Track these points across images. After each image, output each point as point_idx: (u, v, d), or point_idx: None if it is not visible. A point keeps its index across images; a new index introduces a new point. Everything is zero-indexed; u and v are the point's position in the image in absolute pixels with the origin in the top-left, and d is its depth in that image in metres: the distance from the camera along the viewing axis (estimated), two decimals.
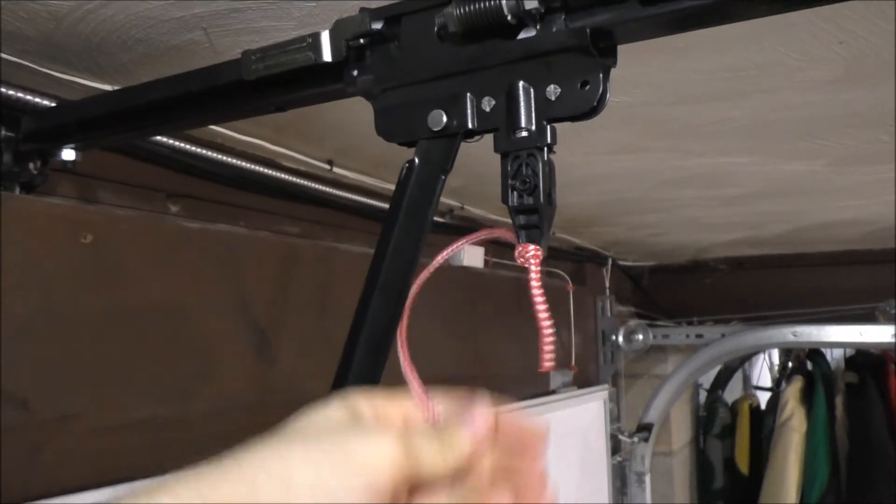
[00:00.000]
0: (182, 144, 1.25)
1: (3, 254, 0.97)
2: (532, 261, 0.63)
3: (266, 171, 1.45)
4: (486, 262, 2.27)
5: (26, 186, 1.06)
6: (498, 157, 0.64)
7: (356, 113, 1.27)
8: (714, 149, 1.50)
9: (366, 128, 1.35)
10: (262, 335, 1.38)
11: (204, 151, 1.30)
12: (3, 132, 1.00)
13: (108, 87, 1.06)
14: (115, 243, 1.12)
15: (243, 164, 1.39)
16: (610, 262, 3.20)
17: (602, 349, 3.10)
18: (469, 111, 0.66)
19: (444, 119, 0.67)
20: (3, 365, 0.96)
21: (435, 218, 2.16)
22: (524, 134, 0.63)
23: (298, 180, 1.53)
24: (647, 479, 3.04)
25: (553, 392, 2.69)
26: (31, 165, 1.06)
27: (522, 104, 0.63)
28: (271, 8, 0.83)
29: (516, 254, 0.64)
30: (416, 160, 0.69)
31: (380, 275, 0.69)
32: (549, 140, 0.63)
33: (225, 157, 1.35)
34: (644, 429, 3.01)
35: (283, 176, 1.49)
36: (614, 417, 3.04)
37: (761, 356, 5.16)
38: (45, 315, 1.02)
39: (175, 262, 1.22)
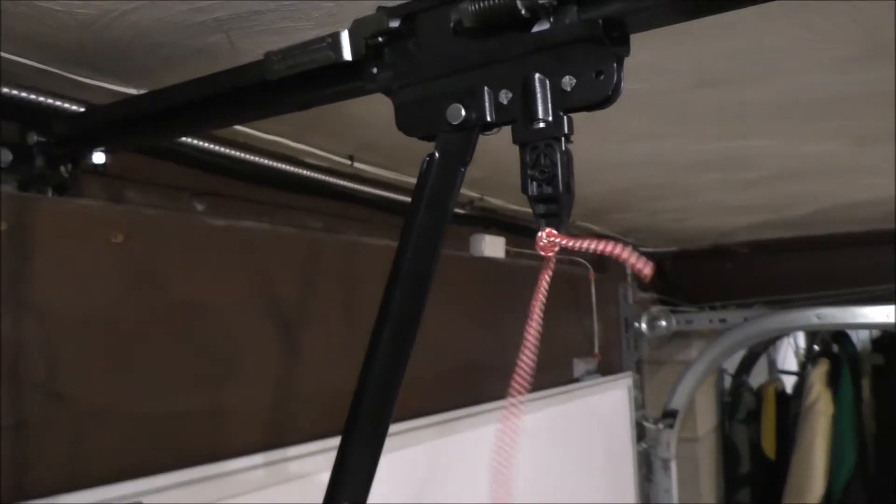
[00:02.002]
0: (206, 144, 1.28)
1: (38, 254, 1.00)
2: (553, 249, 0.64)
3: (288, 167, 1.48)
4: (506, 251, 2.28)
5: (58, 189, 1.09)
6: (517, 147, 0.66)
7: (376, 108, 1.28)
8: (735, 132, 1.50)
9: (386, 122, 1.37)
10: (288, 329, 1.41)
11: (227, 150, 1.33)
12: (36, 137, 1.03)
13: (133, 91, 1.09)
14: (144, 242, 1.15)
15: (266, 161, 1.42)
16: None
17: (625, 336, 3.11)
18: (486, 104, 0.67)
19: (463, 112, 0.68)
20: (42, 361, 0.99)
21: (455, 209, 2.19)
22: (541, 125, 0.64)
23: (320, 176, 1.56)
24: (673, 465, 3.04)
25: (577, 380, 2.70)
26: (63, 169, 1.09)
27: (539, 96, 0.64)
28: (290, 9, 0.85)
29: (536, 242, 0.65)
30: (436, 153, 0.70)
31: (403, 266, 0.71)
32: (565, 130, 0.64)
33: (248, 155, 1.37)
34: (669, 415, 3.01)
35: (305, 172, 1.52)
36: (639, 404, 3.04)
37: (786, 340, 5.13)
38: (79, 312, 1.05)
39: (202, 260, 1.25)
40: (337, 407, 1.48)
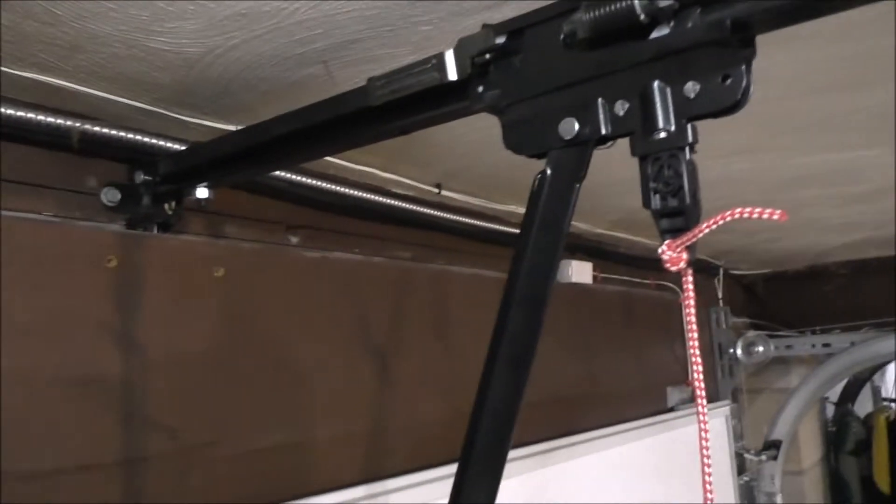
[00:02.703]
0: (298, 177, 1.30)
1: (146, 289, 1.02)
2: (680, 259, 0.60)
3: (377, 198, 1.48)
4: (594, 277, 2.22)
5: (163, 226, 1.12)
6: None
7: (463, 134, 1.27)
8: (840, 143, 1.42)
9: (473, 149, 1.37)
10: (383, 360, 1.40)
11: (318, 182, 1.34)
12: (143, 176, 1.06)
13: (230, 127, 1.11)
14: (244, 276, 1.16)
15: (355, 192, 1.42)
16: (721, 271, 3.07)
17: (719, 363, 2.97)
18: (601, 117, 0.65)
19: (577, 127, 0.65)
20: (151, 395, 1.01)
21: None
22: (663, 135, 0.61)
23: (408, 205, 1.55)
24: (779, 499, 2.86)
25: (671, 409, 2.59)
26: (166, 206, 1.12)
27: (659, 104, 0.61)
28: (389, 35, 0.84)
29: (664, 258, 0.61)
30: (548, 170, 0.68)
31: (517, 288, 0.69)
32: (690, 139, 0.61)
33: (338, 187, 1.38)
34: (771, 446, 2.84)
35: (392, 202, 1.52)
36: (737, 435, 2.89)
37: (892, 365, 4.81)
38: (187, 347, 1.07)
39: (299, 292, 1.25)
40: (430, 438, 1.46)
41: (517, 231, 2.05)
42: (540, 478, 1.71)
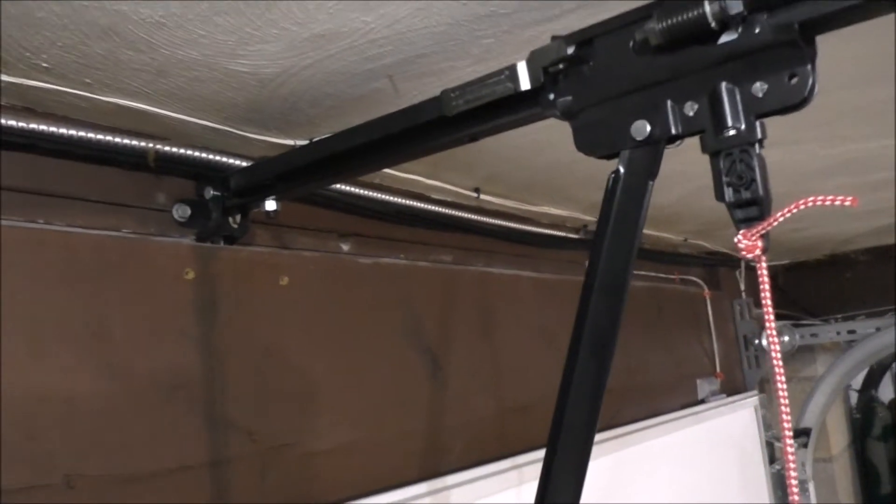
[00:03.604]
0: (349, 188, 1.35)
1: (221, 298, 1.08)
2: (756, 247, 0.65)
3: (420, 204, 1.53)
4: None
5: (228, 239, 1.17)
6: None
7: (508, 140, 1.32)
8: (867, 132, 1.46)
9: (515, 153, 1.42)
10: (435, 359, 1.45)
11: (366, 192, 1.39)
12: (212, 192, 1.11)
13: (290, 142, 1.16)
14: (306, 283, 1.21)
15: (400, 200, 1.47)
16: (742, 263, 3.10)
17: (745, 354, 3.00)
18: (671, 118, 0.69)
19: (648, 128, 0.70)
20: (230, 399, 1.06)
21: (568, 234, 2.18)
22: (733, 132, 0.66)
23: (448, 210, 1.60)
24: (811, 486, 2.89)
25: (702, 401, 2.63)
26: (231, 220, 1.17)
27: (728, 104, 0.66)
28: (454, 49, 0.89)
29: (740, 248, 0.66)
30: (622, 170, 0.72)
31: (597, 278, 0.73)
32: (759, 135, 0.65)
33: (385, 196, 1.43)
34: (802, 434, 2.88)
35: (435, 208, 1.57)
36: (767, 424, 2.92)
37: None
38: (259, 352, 1.12)
39: (356, 296, 1.31)
40: (482, 434, 1.51)
41: (550, 232, 2.10)
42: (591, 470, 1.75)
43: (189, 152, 1.08)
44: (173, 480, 0.97)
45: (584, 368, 0.74)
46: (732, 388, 2.86)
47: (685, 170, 1.55)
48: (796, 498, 0.68)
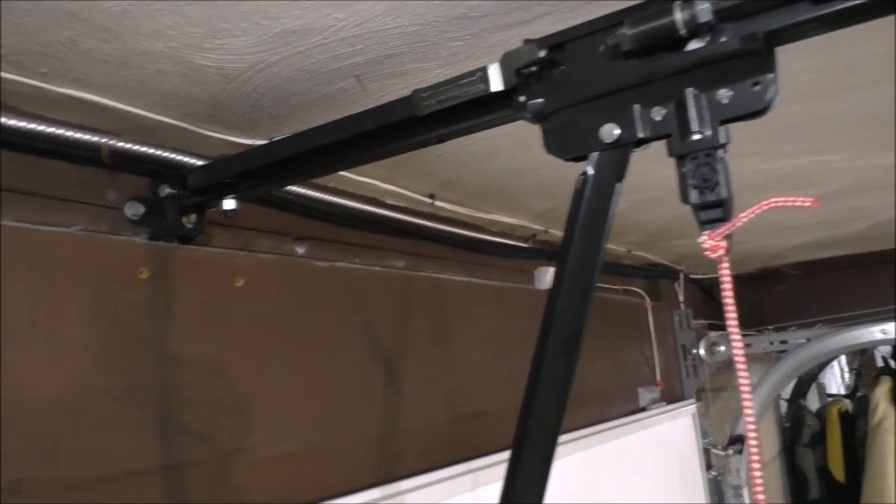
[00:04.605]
0: (305, 190, 1.34)
1: (176, 299, 1.05)
2: (720, 247, 0.67)
3: (375, 209, 1.53)
4: None
5: (182, 239, 1.14)
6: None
7: (466, 145, 1.34)
8: (807, 148, 1.53)
9: (471, 159, 1.43)
10: (390, 364, 1.44)
11: (322, 195, 1.38)
12: (168, 190, 1.09)
13: (250, 142, 1.14)
14: (262, 285, 1.19)
15: (357, 204, 1.47)
16: (682, 275, 3.20)
17: (684, 364, 3.09)
18: (639, 121, 0.72)
19: (617, 131, 0.72)
20: (183, 402, 1.03)
21: (518, 243, 2.21)
22: (698, 136, 0.69)
23: (403, 216, 1.60)
24: (745, 492, 2.99)
25: (643, 409, 2.69)
26: (186, 219, 1.15)
27: (694, 109, 0.69)
28: (422, 50, 0.90)
29: (704, 248, 0.68)
30: (591, 171, 0.74)
31: (564, 279, 0.75)
32: (723, 140, 0.68)
33: (342, 200, 1.43)
34: (736, 441, 2.97)
35: (390, 213, 1.57)
36: (704, 432, 3.01)
37: (836, 364, 5.06)
38: (213, 355, 1.09)
39: (311, 300, 1.29)
40: (436, 440, 1.50)
41: (500, 240, 2.12)
42: None
43: (144, 149, 1.05)
44: (124, 486, 0.94)
45: (550, 368, 0.75)
46: (671, 396, 2.94)
47: (632, 181, 1.59)
48: (761, 497, 0.70)
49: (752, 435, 0.70)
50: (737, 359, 0.72)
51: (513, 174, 1.56)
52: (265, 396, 1.16)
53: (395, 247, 1.65)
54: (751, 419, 0.69)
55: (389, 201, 1.60)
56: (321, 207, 1.40)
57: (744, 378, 0.71)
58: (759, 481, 0.69)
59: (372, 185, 1.46)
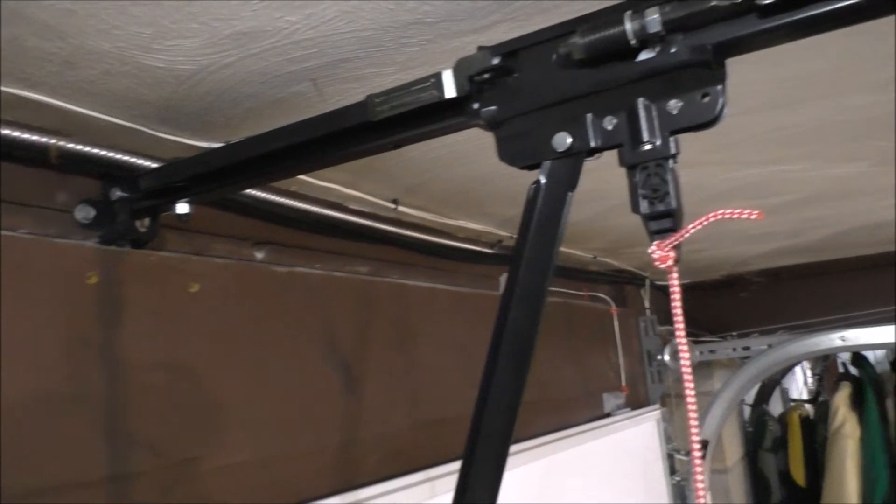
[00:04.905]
0: (265, 194, 1.32)
1: (126, 305, 1.02)
2: (669, 257, 0.67)
3: (338, 214, 1.51)
4: None
5: (135, 243, 1.12)
6: None
7: (428, 151, 1.33)
8: (767, 157, 1.55)
9: (435, 165, 1.43)
10: (350, 371, 1.42)
11: (284, 199, 1.36)
12: (119, 193, 1.06)
13: (205, 145, 1.12)
14: (218, 291, 1.17)
15: (318, 209, 1.45)
16: (648, 282, 3.23)
17: (649, 369, 3.11)
18: (591, 131, 0.72)
19: (569, 140, 0.72)
20: (133, 411, 1.01)
21: (483, 249, 2.20)
22: (648, 147, 0.69)
23: (366, 221, 1.59)
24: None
25: (608, 415, 2.70)
26: (139, 223, 1.12)
27: (644, 119, 0.69)
28: (378, 55, 0.89)
29: (654, 258, 0.68)
30: (543, 180, 0.74)
31: (516, 287, 0.74)
32: (673, 150, 0.68)
33: (303, 204, 1.41)
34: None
35: (352, 218, 1.55)
36: (668, 437, 3.04)
37: (799, 368, 5.14)
38: (165, 363, 1.07)
39: (270, 306, 1.27)
40: (397, 447, 1.49)
41: (465, 246, 2.11)
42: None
43: (95, 150, 1.03)
44: (69, 498, 0.91)
45: (501, 378, 0.75)
46: (636, 402, 2.95)
47: (596, 188, 1.60)
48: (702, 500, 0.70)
49: (695, 439, 0.70)
50: (683, 367, 0.72)
51: (477, 180, 1.56)
52: (219, 405, 1.13)
53: (358, 252, 1.64)
54: (694, 423, 0.70)
55: (352, 206, 1.59)
56: (282, 212, 1.38)
57: (689, 385, 0.71)
58: (700, 485, 0.69)
59: (334, 189, 1.44)
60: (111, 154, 1.04)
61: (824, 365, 4.53)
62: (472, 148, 1.30)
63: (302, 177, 1.36)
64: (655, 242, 0.69)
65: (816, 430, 3.58)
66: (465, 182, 1.54)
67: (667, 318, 3.50)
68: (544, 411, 2.17)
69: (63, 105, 0.93)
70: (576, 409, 2.46)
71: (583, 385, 2.57)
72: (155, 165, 1.10)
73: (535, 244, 0.74)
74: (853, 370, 3.58)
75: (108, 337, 1.00)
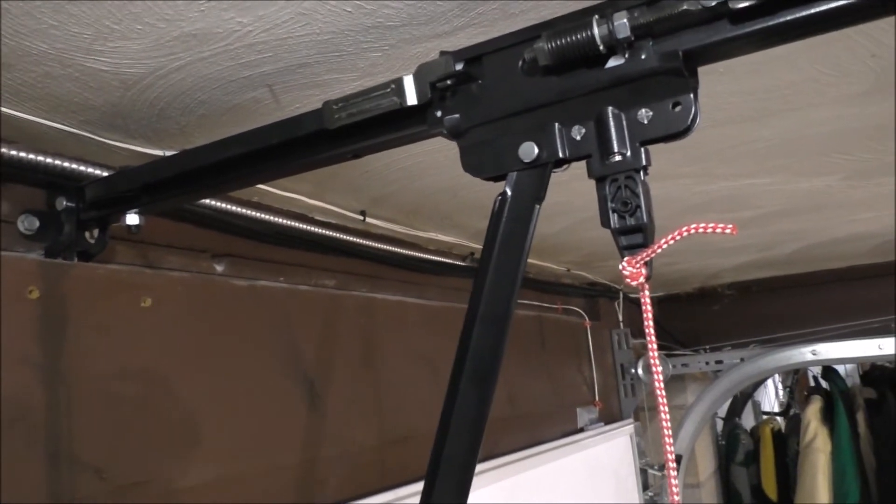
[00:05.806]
0: (225, 205, 1.27)
1: (71, 321, 0.97)
2: (640, 274, 0.64)
3: (302, 225, 1.46)
4: None
5: (83, 255, 1.06)
6: None
7: (394, 161, 1.29)
8: (739, 171, 1.54)
9: (402, 175, 1.38)
10: (313, 388, 1.37)
11: (245, 210, 1.31)
12: (65, 203, 1.01)
13: (158, 153, 1.07)
14: (172, 305, 1.12)
15: (282, 220, 1.40)
16: (621, 295, 3.21)
17: (622, 383, 3.09)
18: (559, 141, 0.68)
19: (536, 150, 0.69)
20: (77, 432, 0.95)
21: (455, 262, 2.16)
22: (618, 158, 0.65)
23: (333, 233, 1.54)
24: None
25: (581, 430, 2.67)
26: (87, 235, 1.07)
27: (614, 129, 0.65)
28: (337, 61, 0.85)
29: (625, 274, 0.65)
30: (509, 192, 0.70)
31: (480, 306, 0.70)
32: (644, 162, 0.65)
33: (265, 215, 1.36)
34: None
35: (318, 230, 1.51)
36: (642, 452, 3.01)
37: (770, 381, 5.17)
38: (113, 381, 1.01)
39: (229, 321, 1.22)
40: (361, 466, 1.44)
41: (436, 258, 2.07)
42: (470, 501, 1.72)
43: (40, 158, 0.97)
44: None
45: (465, 398, 0.70)
46: (610, 416, 2.93)
47: (569, 200, 1.57)
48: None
49: (670, 454, 0.67)
50: (656, 385, 0.69)
51: (447, 191, 1.52)
52: (172, 424, 1.08)
53: (324, 265, 1.59)
54: (669, 438, 0.67)
55: (318, 217, 1.54)
56: (242, 223, 1.33)
57: (663, 402, 0.68)
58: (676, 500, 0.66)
59: (298, 200, 1.40)
60: (56, 161, 0.98)
61: (795, 378, 4.55)
62: (441, 158, 1.26)
63: (264, 187, 1.31)
64: (626, 258, 0.65)
65: (788, 444, 3.58)
66: (434, 193, 1.51)
67: (640, 331, 3.49)
68: (515, 428, 2.13)
69: (2, 109, 0.87)
70: (548, 425, 2.42)
71: (556, 399, 2.53)
72: (104, 174, 1.05)
73: (500, 260, 0.70)
74: (824, 383, 3.59)
75: (50, 354, 0.94)
